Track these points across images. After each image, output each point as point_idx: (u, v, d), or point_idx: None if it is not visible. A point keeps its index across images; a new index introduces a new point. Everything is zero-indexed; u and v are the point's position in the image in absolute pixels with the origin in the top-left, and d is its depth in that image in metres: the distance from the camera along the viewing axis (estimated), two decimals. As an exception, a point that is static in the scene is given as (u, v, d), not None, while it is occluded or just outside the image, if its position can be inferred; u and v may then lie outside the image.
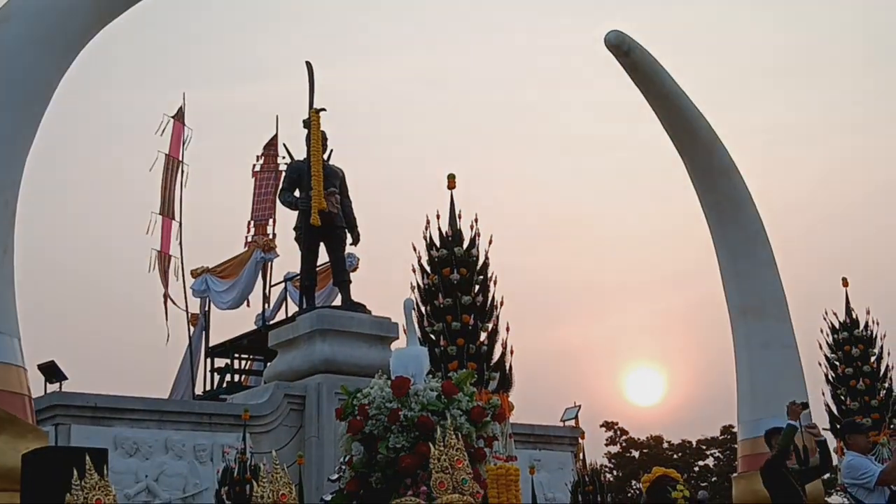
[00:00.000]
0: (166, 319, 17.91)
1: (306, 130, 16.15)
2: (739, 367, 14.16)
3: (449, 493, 3.39)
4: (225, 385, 17.83)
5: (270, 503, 3.26)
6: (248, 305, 18.57)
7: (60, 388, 13.32)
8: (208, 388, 18.14)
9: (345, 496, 7.58)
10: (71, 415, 12.45)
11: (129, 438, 12.60)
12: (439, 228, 10.82)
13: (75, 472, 3.34)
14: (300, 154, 16.46)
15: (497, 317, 10.72)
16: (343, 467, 7.79)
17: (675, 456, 45.24)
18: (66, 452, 7.22)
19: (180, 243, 17.89)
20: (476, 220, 10.95)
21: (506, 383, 10.50)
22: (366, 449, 7.54)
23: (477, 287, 10.65)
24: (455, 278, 10.52)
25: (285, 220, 17.60)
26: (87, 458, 3.38)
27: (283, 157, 17.65)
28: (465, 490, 3.42)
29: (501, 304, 10.82)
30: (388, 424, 7.45)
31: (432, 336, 10.43)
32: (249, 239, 18.45)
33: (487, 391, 10.02)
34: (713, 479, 43.73)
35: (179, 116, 18.55)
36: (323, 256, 16.50)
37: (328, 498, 8.09)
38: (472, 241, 10.82)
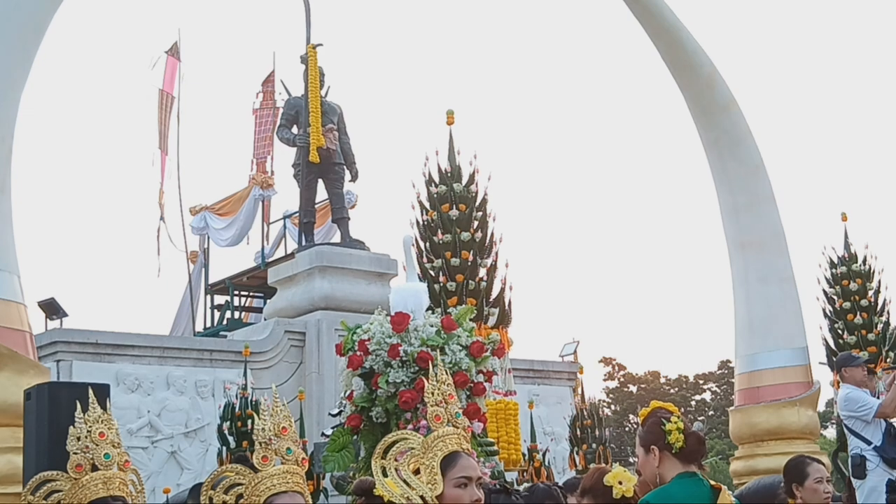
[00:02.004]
0: (158, 253, 18.02)
1: (304, 66, 16.05)
2: (737, 302, 14.19)
3: (444, 426, 3.44)
4: (225, 322, 17.93)
5: (271, 436, 3.30)
6: (247, 243, 18.61)
7: (61, 324, 13.42)
8: (208, 324, 18.25)
9: (346, 430, 7.67)
10: (72, 351, 12.55)
11: (131, 374, 12.71)
12: (438, 165, 10.79)
13: (78, 406, 3.37)
14: (298, 91, 16.39)
15: (496, 253, 10.73)
16: (344, 402, 7.88)
17: (672, 391, 45.79)
18: (68, 387, 7.28)
19: (178, 179, 17.87)
20: (475, 157, 10.92)
21: (505, 319, 10.55)
22: (366, 384, 7.62)
23: (476, 223, 10.64)
24: (454, 214, 10.50)
25: (284, 157, 17.59)
26: (91, 391, 3.42)
27: (280, 94, 17.60)
28: (458, 423, 3.48)
29: (501, 240, 10.83)
30: (388, 360, 7.52)
31: (431, 272, 10.44)
32: (252, 177, 18.46)
33: (487, 326, 10.07)
34: (710, 412, 44.29)
35: (174, 52, 18.39)
36: (322, 193, 16.50)
37: (329, 432, 8.18)
38: (472, 178, 10.79)
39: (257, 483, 3.21)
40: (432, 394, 3.52)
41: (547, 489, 4.99)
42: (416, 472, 3.38)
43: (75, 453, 3.25)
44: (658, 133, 66.94)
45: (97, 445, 3.28)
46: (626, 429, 43.79)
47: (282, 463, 3.27)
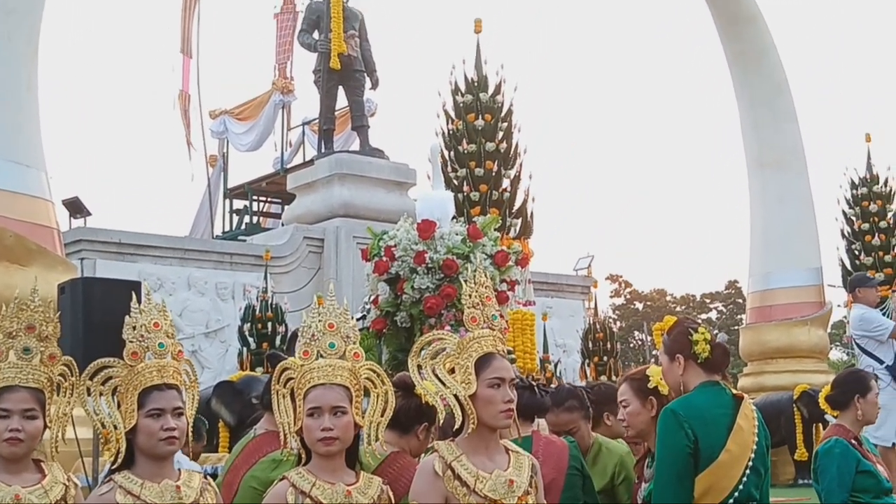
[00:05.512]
0: (190, 160, 18.04)
1: (325, -30, 15.85)
2: (753, 220, 14.25)
3: (481, 328, 3.51)
4: (243, 226, 18.05)
5: (314, 332, 3.39)
6: (275, 150, 18.59)
7: (85, 223, 13.55)
8: (227, 228, 18.37)
9: (370, 334, 7.83)
10: (96, 250, 12.68)
11: (153, 274, 12.86)
12: (465, 74, 10.76)
13: (133, 296, 3.46)
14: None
15: (521, 164, 10.76)
16: (368, 306, 8.01)
17: (678, 308, 45.96)
18: (101, 283, 7.41)
19: (198, 82, 17.80)
20: (502, 67, 10.88)
21: (527, 230, 10.64)
22: (391, 289, 7.75)
23: (501, 134, 10.65)
24: (479, 125, 10.52)
25: (304, 62, 17.48)
26: (143, 285, 3.52)
27: (300, -1, 17.42)
28: (494, 326, 3.54)
29: (525, 151, 10.87)
30: (413, 266, 7.64)
31: (455, 182, 10.51)
32: (273, 82, 18.39)
33: (509, 237, 10.17)
34: (716, 332, 44.46)
35: (197, -46, 18.16)
36: (342, 100, 16.43)
37: (352, 335, 8.33)
38: (498, 88, 10.76)
39: (301, 375, 3.32)
40: (470, 296, 3.55)
41: (572, 389, 5.07)
42: (451, 371, 3.45)
43: (131, 342, 3.35)
44: (681, 49, 66.15)
45: (152, 335, 3.38)
46: (631, 345, 44.18)
47: (322, 357, 3.35)
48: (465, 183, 10.45)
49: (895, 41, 64.54)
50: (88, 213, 13.66)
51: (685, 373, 4.12)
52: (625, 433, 4.55)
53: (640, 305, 48.15)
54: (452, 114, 10.68)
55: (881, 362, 9.10)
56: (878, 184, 13.47)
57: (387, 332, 7.79)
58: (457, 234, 7.77)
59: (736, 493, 3.86)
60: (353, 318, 3.57)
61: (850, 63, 66.28)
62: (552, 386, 5.66)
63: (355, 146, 16.66)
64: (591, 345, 13.25)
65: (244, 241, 15.79)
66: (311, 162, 16.22)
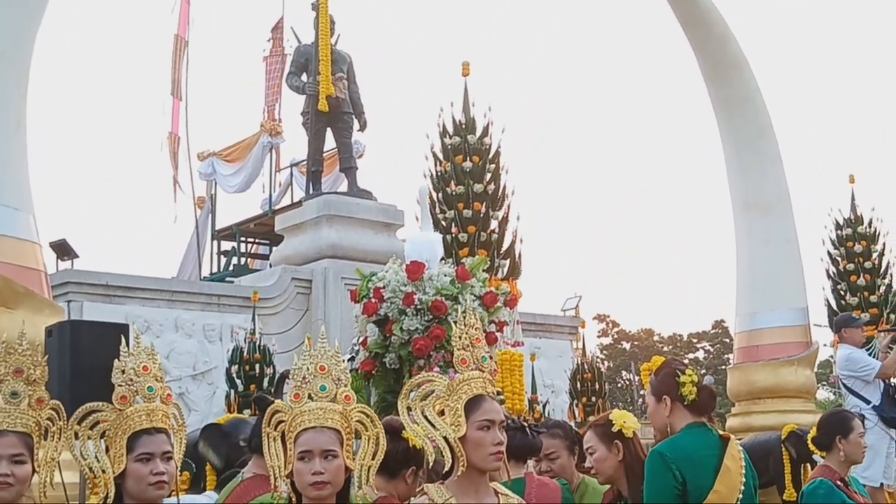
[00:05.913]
0: (175, 201, 18.06)
1: (314, 13, 16.01)
2: (739, 261, 14.27)
3: (470, 370, 3.52)
4: (231, 268, 18.04)
5: (305, 374, 3.39)
6: (263, 191, 18.66)
7: (72, 265, 13.52)
8: (214, 270, 18.36)
9: (359, 375, 7.83)
10: (83, 292, 12.64)
11: (141, 317, 12.82)
12: (453, 116, 10.85)
13: (123, 340, 3.48)
14: (307, 38, 16.37)
15: (508, 205, 10.84)
16: (357, 348, 8.03)
17: (665, 348, 46.06)
18: (88, 325, 7.40)
19: (186, 124, 17.88)
20: (490, 109, 10.98)
21: (515, 271, 10.69)
22: (380, 330, 7.77)
23: (489, 175, 10.73)
24: (467, 166, 10.60)
25: (293, 104, 17.60)
26: (133, 327, 3.53)
27: (289, 41, 17.56)
28: (484, 368, 3.55)
29: (513, 193, 10.95)
30: (402, 307, 7.67)
31: (443, 223, 10.57)
32: (261, 124, 18.49)
33: (497, 278, 10.20)
34: (703, 371, 44.53)
35: (187, -7, 18.30)
36: (330, 142, 16.53)
37: (341, 377, 8.33)
38: (486, 130, 10.86)
39: (292, 418, 3.31)
40: (460, 337, 3.55)
41: (560, 421, 5.14)
42: (441, 413, 3.46)
43: (120, 385, 3.35)
44: (668, 93, 66.79)
45: (141, 378, 3.39)
46: (619, 385, 44.17)
47: (312, 400, 3.34)
48: (453, 224, 10.50)
49: (877, 84, 65.32)
50: (76, 256, 13.62)
51: (671, 414, 4.15)
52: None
53: (627, 345, 48.23)
54: (441, 155, 10.76)
55: (868, 402, 9.13)
56: (862, 224, 13.58)
57: (375, 374, 7.80)
58: (445, 276, 7.81)
59: (724, 534, 3.87)
60: (344, 360, 3.57)
61: (834, 106, 67.04)
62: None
63: (343, 188, 16.71)
64: (579, 385, 13.22)
65: (232, 282, 15.77)
66: (299, 203, 16.26)
